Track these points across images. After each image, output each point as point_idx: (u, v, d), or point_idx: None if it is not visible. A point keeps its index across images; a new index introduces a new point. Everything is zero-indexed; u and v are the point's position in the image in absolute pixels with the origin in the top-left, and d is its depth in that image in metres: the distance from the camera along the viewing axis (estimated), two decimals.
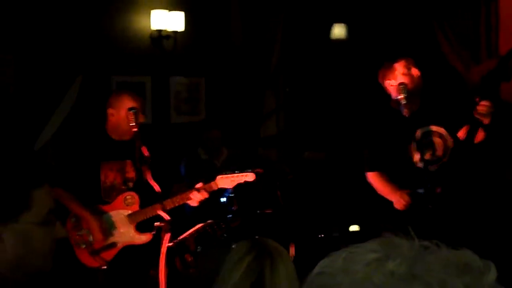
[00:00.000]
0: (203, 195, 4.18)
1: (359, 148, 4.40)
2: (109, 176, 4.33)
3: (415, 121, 4.05)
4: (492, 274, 0.87)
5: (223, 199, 5.21)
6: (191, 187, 4.29)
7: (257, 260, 2.22)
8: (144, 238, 4.22)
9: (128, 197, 4.31)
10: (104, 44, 6.27)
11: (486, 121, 3.78)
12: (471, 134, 3.87)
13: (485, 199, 5.55)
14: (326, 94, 7.64)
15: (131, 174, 4.35)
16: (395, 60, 4.17)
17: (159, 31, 6.55)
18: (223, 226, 4.44)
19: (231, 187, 4.27)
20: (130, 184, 4.34)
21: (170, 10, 6.58)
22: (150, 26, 6.54)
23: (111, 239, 4.28)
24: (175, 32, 6.62)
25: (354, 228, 6.09)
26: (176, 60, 6.78)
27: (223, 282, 2.22)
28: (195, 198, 4.16)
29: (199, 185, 4.24)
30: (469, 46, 6.25)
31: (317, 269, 0.93)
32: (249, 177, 4.23)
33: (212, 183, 4.23)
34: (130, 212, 4.30)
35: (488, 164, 5.74)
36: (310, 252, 5.44)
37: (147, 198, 4.18)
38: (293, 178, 5.30)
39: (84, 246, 4.27)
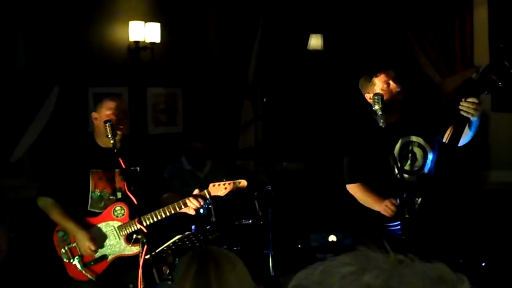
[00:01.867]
0: (200, 202, 4.14)
1: (338, 158, 4.39)
2: (98, 186, 4.24)
3: (394, 131, 4.06)
4: (465, 287, 0.88)
5: (202, 211, 5.20)
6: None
7: (201, 268, 2.15)
8: (135, 249, 4.16)
9: (117, 208, 4.24)
10: (81, 55, 6.24)
11: (473, 117, 3.73)
12: (456, 134, 3.86)
13: (462, 208, 5.58)
14: (304, 104, 7.66)
15: (120, 184, 4.26)
16: (375, 73, 4.14)
17: (137, 42, 6.54)
18: (201, 237, 4.42)
19: (223, 195, 4.22)
20: (119, 194, 4.25)
21: (147, 21, 6.57)
22: (127, 38, 6.53)
23: (102, 251, 4.23)
24: (152, 44, 6.62)
25: (332, 238, 6.10)
26: (153, 71, 6.78)
27: None
28: (192, 205, 4.12)
29: (195, 191, 4.20)
30: (444, 57, 6.31)
31: (293, 281, 0.93)
32: (242, 183, 4.22)
33: (205, 191, 4.20)
34: (120, 223, 4.24)
35: (466, 173, 5.79)
36: (288, 263, 5.44)
37: (137, 208, 4.08)
38: (271, 189, 5.30)
39: (72, 260, 4.19)
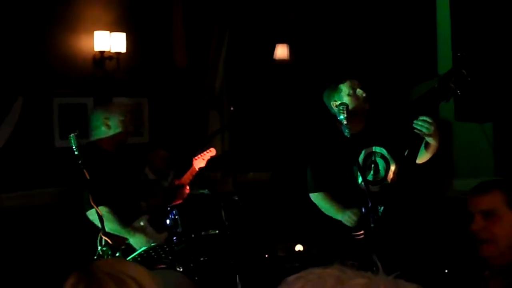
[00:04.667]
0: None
1: (303, 168, 4.42)
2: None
3: (358, 141, 4.08)
4: None
5: (168, 221, 5.18)
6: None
7: None
8: (162, 236, 4.65)
9: (143, 204, 4.85)
10: (46, 66, 6.18)
11: (426, 135, 3.76)
12: (413, 150, 3.91)
13: (423, 216, 5.64)
14: (271, 114, 7.68)
15: None
16: (341, 81, 4.21)
17: (102, 52, 6.49)
18: (167, 249, 4.40)
19: (204, 165, 5.09)
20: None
21: (112, 31, 6.53)
22: (93, 47, 6.48)
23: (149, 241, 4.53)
24: (117, 53, 6.58)
25: (299, 247, 6.11)
26: (119, 81, 6.73)
27: None
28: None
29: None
30: (409, 67, 6.38)
31: None
32: (212, 152, 5.17)
33: (191, 169, 5.09)
34: (147, 216, 4.70)
35: (427, 182, 5.84)
36: (255, 272, 5.44)
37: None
38: (238, 199, 5.29)
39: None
